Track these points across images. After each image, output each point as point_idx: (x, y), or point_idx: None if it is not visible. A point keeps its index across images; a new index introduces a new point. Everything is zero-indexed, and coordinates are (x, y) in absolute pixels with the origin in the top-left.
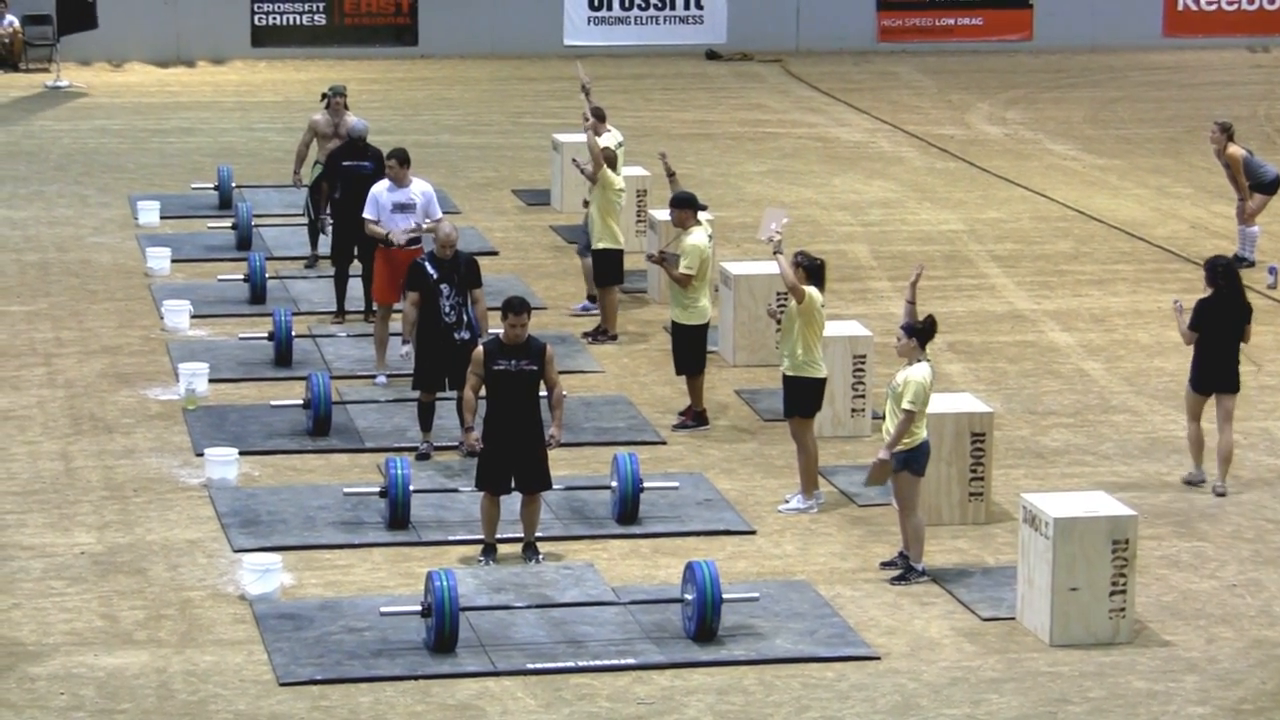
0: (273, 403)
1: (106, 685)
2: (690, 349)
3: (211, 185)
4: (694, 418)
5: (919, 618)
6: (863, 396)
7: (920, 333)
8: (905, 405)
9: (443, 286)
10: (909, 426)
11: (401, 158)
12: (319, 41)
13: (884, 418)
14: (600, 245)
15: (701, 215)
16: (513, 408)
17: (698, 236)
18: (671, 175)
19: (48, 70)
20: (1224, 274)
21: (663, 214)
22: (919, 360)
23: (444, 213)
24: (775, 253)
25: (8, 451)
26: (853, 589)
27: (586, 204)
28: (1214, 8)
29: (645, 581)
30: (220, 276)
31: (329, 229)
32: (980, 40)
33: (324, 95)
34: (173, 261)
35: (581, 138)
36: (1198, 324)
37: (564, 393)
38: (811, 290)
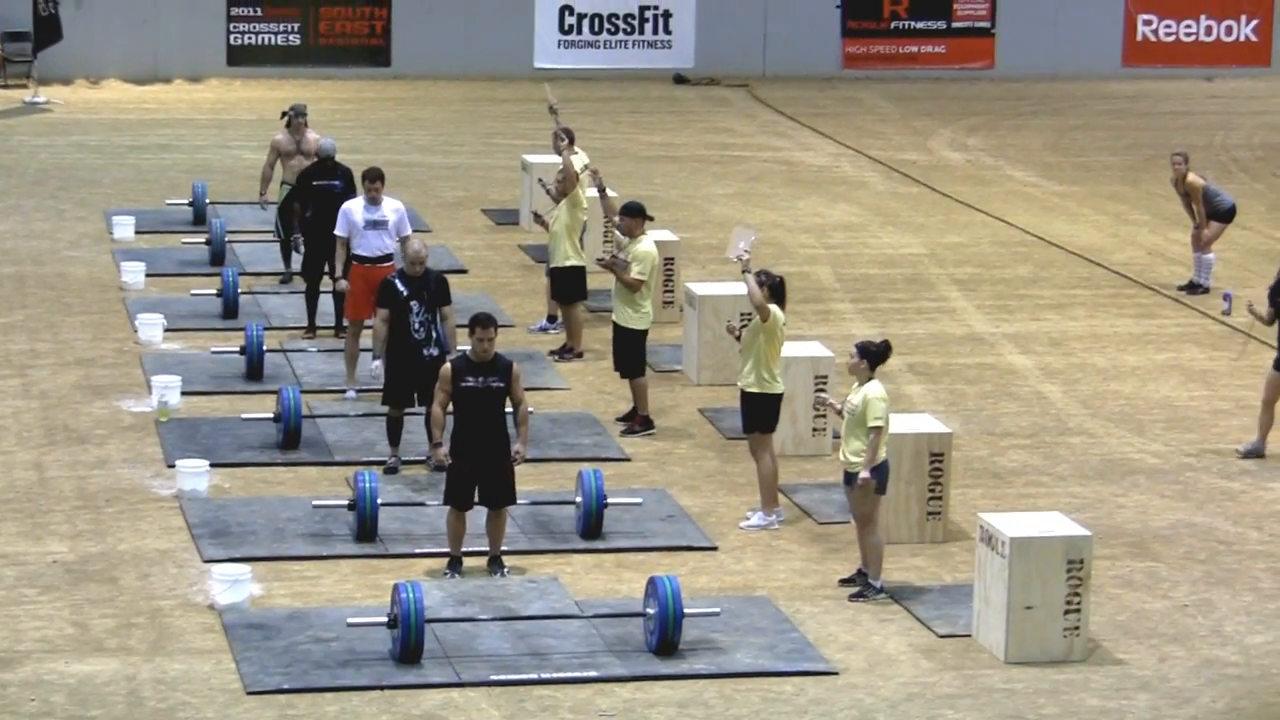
0: (244, 416)
1: (77, 692)
2: (633, 352)
3: (186, 201)
4: (641, 423)
5: (877, 634)
6: (824, 416)
7: (874, 355)
8: (873, 423)
9: (413, 303)
10: (880, 442)
11: (379, 176)
12: (293, 61)
13: (842, 440)
14: (564, 263)
15: (646, 226)
16: (479, 424)
17: (648, 244)
18: (602, 191)
19: (26, 86)
20: None
21: None
22: (869, 380)
23: (415, 231)
24: (744, 271)
25: None
26: (812, 605)
27: (537, 216)
28: (1172, 39)
29: (608, 595)
30: (194, 291)
31: (302, 247)
32: (943, 68)
33: (284, 114)
34: (147, 276)
35: (550, 159)
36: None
37: (530, 409)
38: (774, 308)
